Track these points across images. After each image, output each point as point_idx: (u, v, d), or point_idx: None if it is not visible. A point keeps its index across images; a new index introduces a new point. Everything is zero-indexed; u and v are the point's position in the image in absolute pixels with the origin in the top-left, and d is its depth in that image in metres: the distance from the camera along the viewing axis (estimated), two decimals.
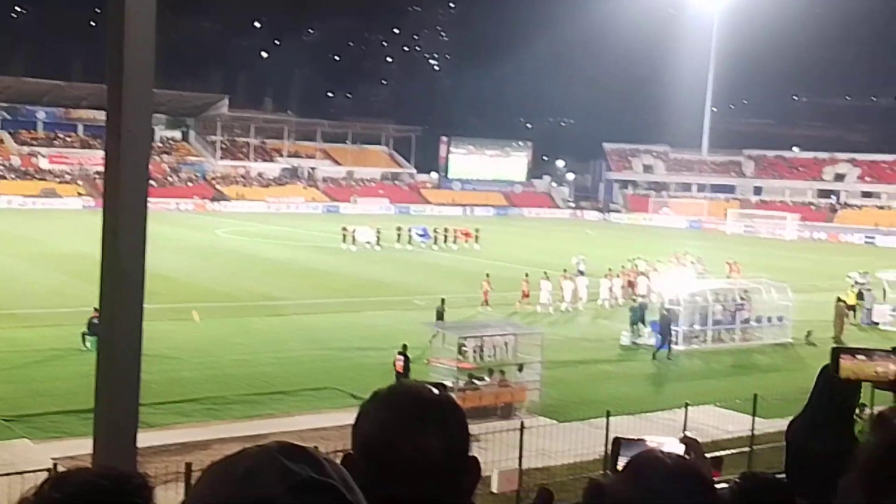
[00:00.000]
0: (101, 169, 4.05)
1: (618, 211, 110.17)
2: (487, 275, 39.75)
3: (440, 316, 31.99)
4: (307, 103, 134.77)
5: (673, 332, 31.95)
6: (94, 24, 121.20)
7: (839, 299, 36.34)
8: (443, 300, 33.59)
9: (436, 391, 1.97)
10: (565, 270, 41.43)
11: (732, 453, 18.79)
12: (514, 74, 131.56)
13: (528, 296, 38.76)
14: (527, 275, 39.99)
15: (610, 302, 39.97)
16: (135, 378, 3.50)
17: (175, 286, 39.58)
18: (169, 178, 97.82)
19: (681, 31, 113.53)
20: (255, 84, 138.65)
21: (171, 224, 68.43)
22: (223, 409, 22.42)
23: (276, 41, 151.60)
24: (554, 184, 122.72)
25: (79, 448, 15.42)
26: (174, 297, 36.70)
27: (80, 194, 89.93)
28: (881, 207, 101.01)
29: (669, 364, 30.47)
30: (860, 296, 41.66)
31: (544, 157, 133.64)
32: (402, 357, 24.52)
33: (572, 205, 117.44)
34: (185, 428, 20.80)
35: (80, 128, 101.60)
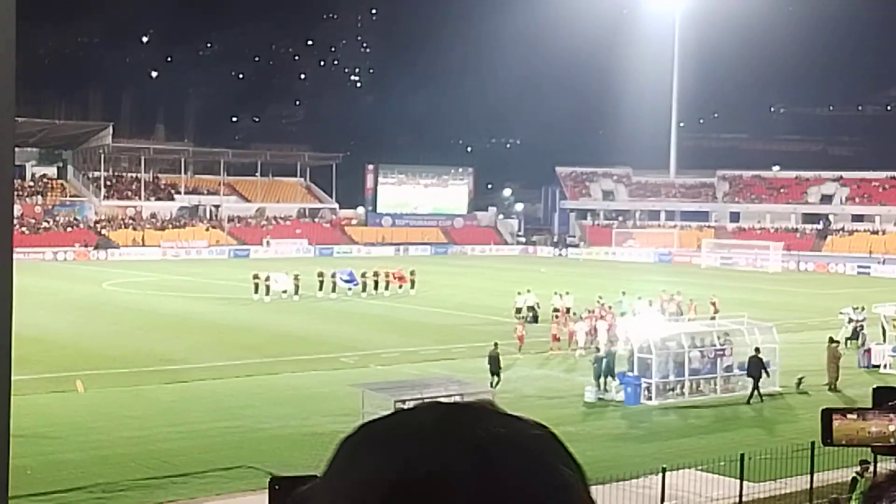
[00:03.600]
0: None
1: (575, 245, 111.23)
2: (525, 319, 44.20)
3: (496, 363, 33.07)
4: (207, 130, 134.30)
5: (659, 384, 32.45)
6: None
7: (832, 340, 36.90)
8: (496, 344, 34.30)
9: None
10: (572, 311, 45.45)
11: None
12: (450, 89, 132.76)
13: (558, 339, 41.25)
14: (561, 312, 44.50)
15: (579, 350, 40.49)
16: (2, 464, 3.40)
17: (53, 350, 38.85)
18: (43, 223, 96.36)
19: (638, 36, 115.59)
20: (145, 109, 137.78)
21: (46, 276, 67.23)
22: (115, 498, 21.97)
23: (167, 58, 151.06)
24: (500, 216, 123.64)
25: None
26: (52, 365, 36.00)
27: None
28: (875, 232, 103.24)
29: (642, 422, 30.67)
30: (855, 334, 42.41)
31: (488, 185, 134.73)
32: None
33: (522, 239, 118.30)
34: None
35: None
